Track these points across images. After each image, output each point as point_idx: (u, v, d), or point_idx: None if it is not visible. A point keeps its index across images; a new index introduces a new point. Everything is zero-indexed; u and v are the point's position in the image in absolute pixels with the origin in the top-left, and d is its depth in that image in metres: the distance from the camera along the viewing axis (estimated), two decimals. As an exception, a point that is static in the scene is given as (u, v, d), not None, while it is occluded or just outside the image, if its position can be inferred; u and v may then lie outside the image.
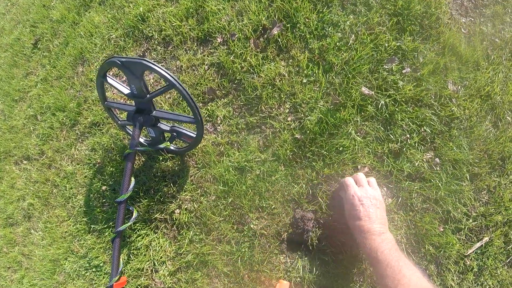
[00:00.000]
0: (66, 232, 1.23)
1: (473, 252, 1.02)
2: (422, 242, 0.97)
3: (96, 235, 1.18)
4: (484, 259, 1.00)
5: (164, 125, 1.05)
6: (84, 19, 1.37)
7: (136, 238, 1.10)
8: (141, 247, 1.10)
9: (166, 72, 0.88)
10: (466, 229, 0.99)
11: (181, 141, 1.08)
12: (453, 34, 1.08)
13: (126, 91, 1.00)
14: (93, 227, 1.16)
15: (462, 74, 1.06)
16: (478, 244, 1.03)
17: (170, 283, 1.08)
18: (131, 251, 1.11)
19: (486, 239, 1.01)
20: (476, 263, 0.99)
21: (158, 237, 1.10)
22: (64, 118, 1.30)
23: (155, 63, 0.88)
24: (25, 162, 1.37)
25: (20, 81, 1.48)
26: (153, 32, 1.24)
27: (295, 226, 0.98)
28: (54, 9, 1.48)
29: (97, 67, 1.30)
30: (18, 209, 1.36)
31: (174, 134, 1.03)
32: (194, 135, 1.01)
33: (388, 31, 1.08)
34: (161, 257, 1.09)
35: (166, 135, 1.09)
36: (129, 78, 0.93)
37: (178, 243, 1.08)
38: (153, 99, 1.00)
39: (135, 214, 1.03)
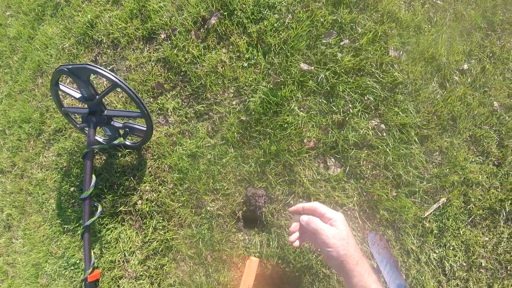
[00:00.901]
0: (43, 236, 1.29)
1: (430, 214, 1.04)
2: (376, 208, 1.01)
3: (70, 235, 1.23)
4: (443, 220, 1.02)
5: (117, 123, 1.10)
6: (39, 32, 1.42)
7: (105, 232, 1.16)
8: (111, 240, 1.16)
9: (108, 72, 0.92)
10: (420, 191, 1.02)
11: (135, 136, 1.13)
12: (391, 1, 1.11)
13: (78, 95, 1.05)
14: (66, 227, 1.22)
15: (403, 39, 1.08)
16: (435, 206, 1.04)
17: (141, 271, 1.13)
18: (103, 245, 1.17)
19: (443, 200, 1.04)
20: (435, 225, 1.02)
21: (125, 229, 1.15)
22: (30, 129, 1.36)
23: (97, 66, 0.93)
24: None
25: (-14, 100, 1.55)
26: (102, 37, 1.29)
27: (248, 204, 1.02)
28: (10, 26, 1.53)
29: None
30: (-2, 221, 1.42)
31: (127, 130, 1.08)
32: (145, 128, 1.06)
33: (324, 6, 1.11)
34: (130, 247, 1.14)
35: (121, 132, 1.14)
36: (78, 83, 0.98)
37: (144, 232, 1.13)
38: (105, 100, 1.05)
39: (100, 209, 1.08)
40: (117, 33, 1.25)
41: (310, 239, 0.75)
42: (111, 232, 1.16)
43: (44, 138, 1.33)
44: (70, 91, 1.07)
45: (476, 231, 1.06)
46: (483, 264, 1.06)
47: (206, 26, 1.16)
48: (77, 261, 1.22)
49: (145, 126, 1.05)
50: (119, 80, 0.94)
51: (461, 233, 1.04)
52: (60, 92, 1.14)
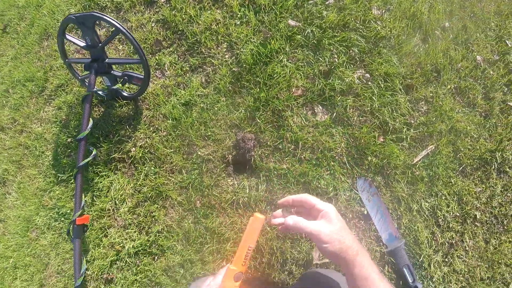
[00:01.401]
0: (37, 188, 1.31)
1: (419, 161, 1.06)
2: (364, 154, 1.04)
3: (63, 185, 1.26)
4: (433, 168, 1.05)
5: (117, 72, 1.16)
6: (46, 1, 1.52)
7: (98, 179, 1.19)
8: (102, 188, 1.19)
9: (111, 19, 1.00)
10: (408, 138, 1.05)
11: (133, 84, 1.18)
12: None
13: (82, 43, 1.12)
14: (60, 177, 1.25)
15: (388, 5, 1.17)
16: (423, 153, 1.07)
17: (130, 219, 1.15)
18: (94, 193, 1.19)
19: (431, 147, 1.07)
20: (425, 172, 1.05)
21: (118, 177, 1.18)
22: (33, 87, 1.42)
23: (102, 13, 1.01)
24: (-1, 133, 1.48)
25: (-8, 63, 1.62)
26: (106, 2, 1.38)
27: (238, 148, 1.07)
28: (19, -3, 1.63)
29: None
30: (-6, 178, 1.45)
31: (126, 78, 1.14)
32: (143, 76, 1.12)
33: None
34: (121, 195, 1.17)
35: (120, 81, 1.20)
36: (84, 31, 1.06)
37: (135, 179, 1.16)
38: (106, 51, 1.12)
39: (94, 152, 1.12)
40: (120, -4, 1.34)
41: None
42: (104, 179, 1.20)
43: (46, 94, 1.38)
44: (76, 40, 1.14)
45: (468, 181, 1.09)
46: (478, 217, 1.09)
47: (204, -11, 1.25)
48: (68, 211, 1.24)
49: (143, 75, 1.11)
50: (121, 26, 1.01)
51: (453, 183, 1.07)
52: (65, 46, 1.21)
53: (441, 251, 1.05)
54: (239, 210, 1.06)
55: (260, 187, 1.04)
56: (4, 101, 1.49)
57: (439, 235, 1.06)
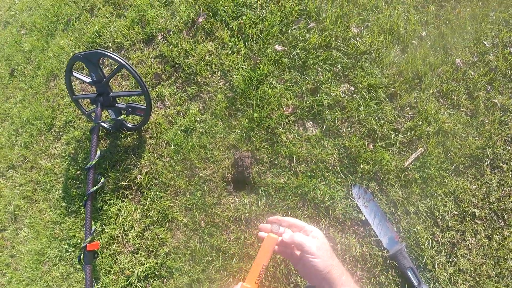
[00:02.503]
0: (48, 221, 1.36)
1: (411, 164, 1.11)
2: (356, 162, 1.10)
3: (73, 216, 1.32)
4: (426, 170, 1.09)
5: (121, 104, 1.25)
6: (51, 45, 1.66)
7: (107, 207, 1.25)
8: (111, 216, 1.24)
9: (115, 55, 1.11)
10: (397, 143, 1.11)
11: (137, 115, 1.27)
12: None
13: (88, 79, 1.22)
14: (71, 208, 1.31)
15: (363, 17, 1.26)
16: (414, 156, 1.12)
17: (139, 243, 1.20)
18: (104, 221, 1.25)
19: (421, 149, 1.11)
20: (418, 175, 1.09)
21: (125, 204, 1.24)
22: (42, 125, 1.52)
23: (106, 50, 1.12)
24: (10, 171, 1.55)
25: (1, 106, 1.72)
26: (108, 43, 1.51)
27: (236, 166, 1.13)
28: (25, 42, 1.77)
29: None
30: (5, 214, 1.50)
31: (129, 109, 1.23)
32: (145, 107, 1.21)
33: (292, 0, 1.33)
34: (129, 221, 1.22)
35: (124, 112, 1.29)
36: (89, 67, 1.17)
37: (142, 204, 1.22)
38: (111, 85, 1.22)
39: (102, 180, 1.19)
40: (121, 38, 1.47)
41: (287, 256, 0.71)
42: (112, 207, 1.25)
43: (55, 131, 1.48)
44: (82, 77, 1.25)
45: (462, 179, 1.12)
46: (477, 214, 1.12)
47: (195, 25, 1.38)
48: (78, 241, 1.29)
49: (145, 105, 1.21)
50: (123, 61, 1.12)
51: (447, 182, 1.10)
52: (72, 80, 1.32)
53: (443, 251, 1.08)
54: (242, 226, 1.11)
55: (260, 202, 1.10)
56: (14, 141, 1.59)
57: (440, 235, 1.09)
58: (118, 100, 1.27)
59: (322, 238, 0.65)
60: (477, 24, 1.31)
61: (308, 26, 1.26)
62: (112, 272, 1.21)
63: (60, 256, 1.31)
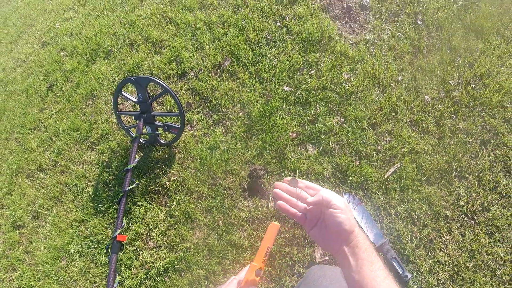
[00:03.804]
0: (73, 220, 1.51)
1: (390, 176, 1.43)
2: (346, 175, 1.43)
3: (101, 216, 1.49)
4: (402, 181, 1.40)
5: (158, 123, 1.54)
6: (92, 69, 1.95)
7: (135, 208, 1.45)
8: (138, 216, 1.44)
9: (162, 81, 1.44)
10: (378, 161, 1.45)
11: (171, 133, 1.56)
12: (343, 45, 1.75)
13: (135, 99, 1.51)
14: (99, 207, 1.48)
15: (351, 67, 1.69)
16: (392, 169, 1.45)
17: (161, 240, 1.39)
18: (130, 220, 1.44)
19: (397, 164, 1.44)
20: (396, 184, 1.40)
21: (152, 206, 1.46)
22: (78, 136, 1.73)
23: (155, 77, 1.44)
24: (38, 173, 1.70)
25: (35, 115, 1.92)
26: (146, 74, 1.84)
27: (251, 176, 1.43)
28: (65, 63, 2.04)
29: (108, 96, 1.81)
30: (26, 212, 1.62)
31: (165, 127, 1.52)
32: (179, 126, 1.50)
33: (298, 52, 1.77)
34: (155, 221, 1.43)
35: (160, 130, 1.57)
36: (138, 89, 1.46)
37: (168, 207, 1.44)
38: (152, 105, 1.52)
39: (137, 182, 1.42)
40: (158, 71, 1.81)
41: (301, 221, 0.65)
42: (140, 208, 1.46)
43: (90, 142, 1.70)
44: (130, 96, 1.54)
45: (433, 188, 1.39)
46: (449, 215, 1.42)
47: (221, 67, 1.77)
48: (103, 238, 1.44)
49: (179, 125, 1.51)
50: (168, 87, 1.43)
51: (420, 190, 1.38)
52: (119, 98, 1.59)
53: (422, 245, 1.36)
54: (254, 225, 1.37)
55: (269, 205, 1.39)
56: (46, 146, 1.77)
57: (418, 232, 1.39)
58: (156, 119, 1.56)
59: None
60: (444, 68, 1.71)
61: (310, 73, 1.69)
62: (133, 266, 1.37)
63: (81, 252, 1.45)
